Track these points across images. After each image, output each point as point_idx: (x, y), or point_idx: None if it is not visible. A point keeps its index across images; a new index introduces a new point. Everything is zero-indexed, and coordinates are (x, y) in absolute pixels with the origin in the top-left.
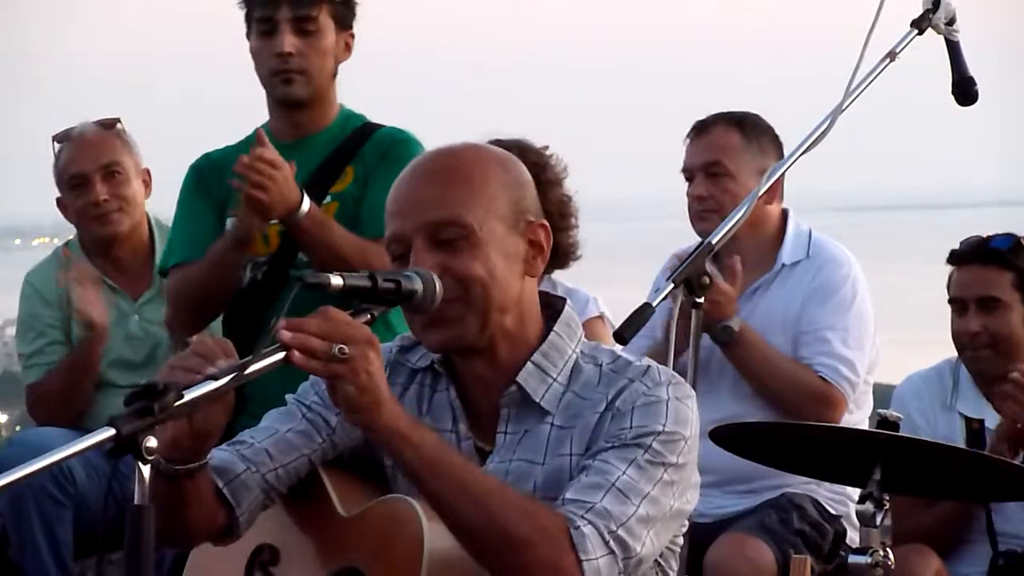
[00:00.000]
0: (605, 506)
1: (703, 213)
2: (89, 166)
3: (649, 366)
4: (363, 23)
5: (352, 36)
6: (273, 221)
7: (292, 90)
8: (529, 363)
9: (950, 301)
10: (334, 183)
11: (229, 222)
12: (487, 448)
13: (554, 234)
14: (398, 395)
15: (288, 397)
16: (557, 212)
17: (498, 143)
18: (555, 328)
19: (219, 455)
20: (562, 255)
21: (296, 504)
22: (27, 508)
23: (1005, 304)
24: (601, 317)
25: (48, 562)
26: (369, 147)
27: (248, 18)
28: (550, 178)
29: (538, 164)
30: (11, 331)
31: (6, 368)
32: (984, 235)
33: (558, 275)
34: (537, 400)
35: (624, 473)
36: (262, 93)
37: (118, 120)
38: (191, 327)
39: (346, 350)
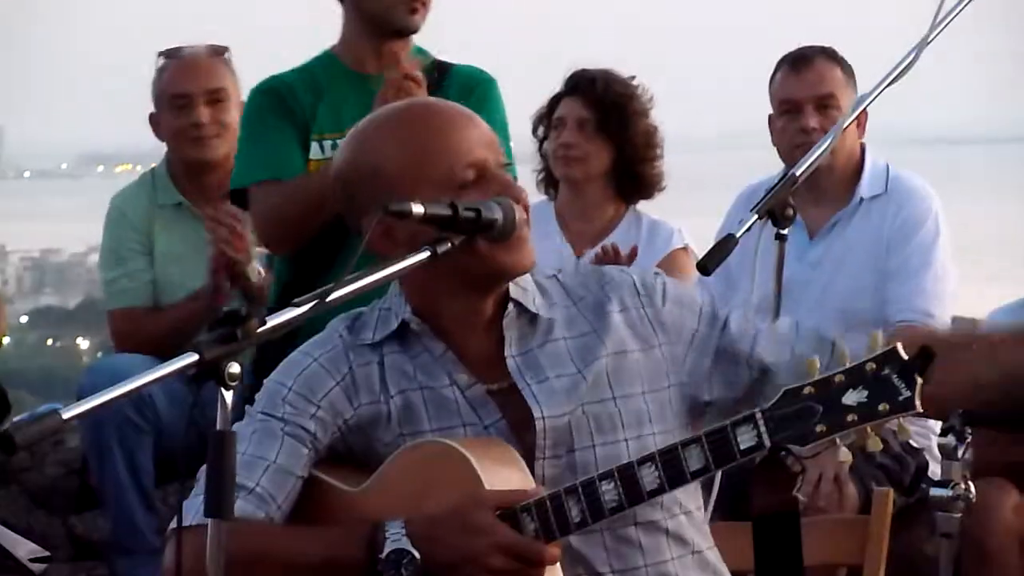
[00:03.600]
0: None
1: (811, 145)
2: (195, 88)
3: (603, 268)
4: None
5: None
6: None
7: (416, 20)
8: (511, 284)
9: None
10: None
11: (315, 147)
12: (495, 387)
13: (640, 165)
14: (376, 376)
15: (254, 412)
16: (643, 143)
17: (584, 73)
18: None
19: (243, 508)
20: (647, 186)
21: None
22: (108, 435)
23: None
24: (685, 249)
25: (128, 488)
26: (453, 85)
27: None
28: (636, 108)
29: (624, 95)
30: (94, 258)
31: (88, 294)
32: None
33: (642, 206)
34: (535, 310)
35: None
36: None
37: (227, 49)
38: (290, 244)
39: None
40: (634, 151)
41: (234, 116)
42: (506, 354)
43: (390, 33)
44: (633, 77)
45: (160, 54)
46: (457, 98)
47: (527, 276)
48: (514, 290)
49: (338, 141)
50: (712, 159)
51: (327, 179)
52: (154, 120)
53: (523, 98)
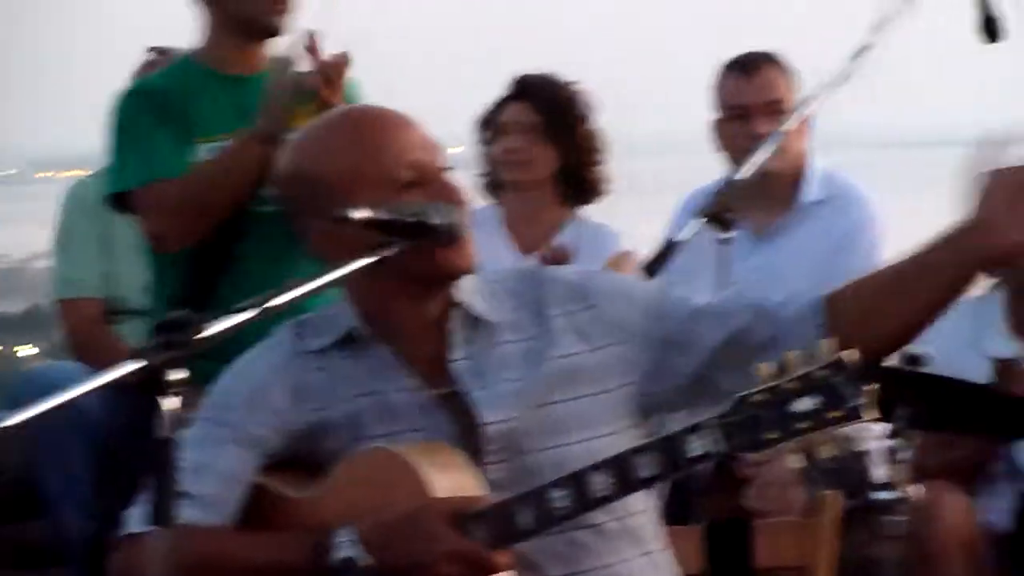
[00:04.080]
0: None
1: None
2: None
3: (528, 266)
4: None
5: None
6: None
7: (285, 21)
8: (457, 288)
9: None
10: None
11: (205, 148)
12: (443, 391)
13: (585, 169)
14: (323, 382)
15: (201, 418)
16: (588, 147)
17: (529, 78)
18: None
19: (190, 515)
20: (591, 190)
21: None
22: (42, 443)
23: None
24: (629, 252)
25: (64, 497)
26: None
27: None
28: (581, 113)
29: (569, 99)
30: (38, 264)
31: (33, 301)
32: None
33: (586, 210)
34: (480, 314)
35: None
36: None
37: None
38: (188, 240)
39: None
40: (579, 156)
41: None
42: (452, 358)
43: (258, 35)
44: (576, 82)
45: (150, 49)
46: None
47: (473, 279)
48: (460, 293)
49: (220, 145)
50: (653, 163)
51: (226, 171)
52: None
53: (464, 102)
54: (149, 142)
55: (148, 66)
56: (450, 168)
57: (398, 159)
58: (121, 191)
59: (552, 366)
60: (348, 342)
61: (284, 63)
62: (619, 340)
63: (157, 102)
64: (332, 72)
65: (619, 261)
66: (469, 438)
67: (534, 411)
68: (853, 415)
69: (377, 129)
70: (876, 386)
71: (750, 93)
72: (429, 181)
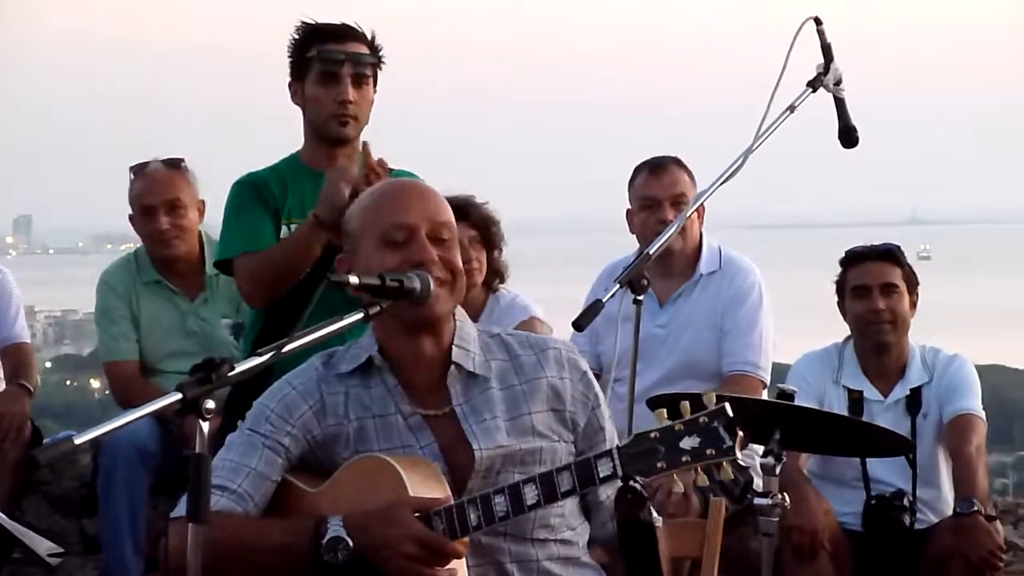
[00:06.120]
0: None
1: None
2: (156, 200)
3: (545, 337)
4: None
5: (375, 91)
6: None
7: (347, 131)
8: (455, 347)
9: (854, 289)
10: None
11: (284, 228)
12: (431, 414)
13: (496, 262)
14: (341, 403)
15: (243, 428)
16: (499, 247)
17: (456, 199)
18: (456, 316)
19: (226, 504)
20: (504, 274)
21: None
22: (117, 463)
23: (899, 291)
24: (537, 317)
25: (124, 533)
26: None
27: (304, 65)
28: (496, 221)
29: (490, 214)
30: None
31: (96, 347)
32: (868, 244)
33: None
34: (472, 370)
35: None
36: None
37: (182, 160)
38: (268, 299)
39: None
40: (498, 253)
41: (191, 217)
42: (453, 404)
43: (328, 140)
44: (488, 202)
45: (130, 168)
46: None
47: (472, 337)
48: (456, 353)
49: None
50: (557, 241)
51: (290, 248)
52: (132, 220)
53: None
54: (245, 222)
55: (132, 184)
56: (445, 238)
57: (397, 219)
58: (223, 259)
59: (534, 415)
60: (366, 370)
61: (343, 165)
62: (580, 409)
63: (257, 190)
64: (371, 173)
65: (530, 324)
66: (448, 454)
67: (516, 445)
68: (724, 454)
69: (395, 194)
70: (743, 434)
71: (659, 189)
72: (413, 243)
